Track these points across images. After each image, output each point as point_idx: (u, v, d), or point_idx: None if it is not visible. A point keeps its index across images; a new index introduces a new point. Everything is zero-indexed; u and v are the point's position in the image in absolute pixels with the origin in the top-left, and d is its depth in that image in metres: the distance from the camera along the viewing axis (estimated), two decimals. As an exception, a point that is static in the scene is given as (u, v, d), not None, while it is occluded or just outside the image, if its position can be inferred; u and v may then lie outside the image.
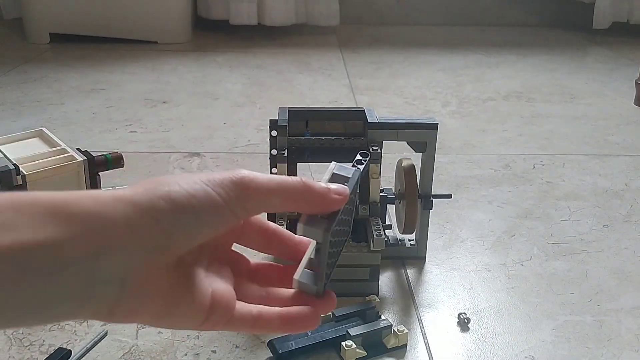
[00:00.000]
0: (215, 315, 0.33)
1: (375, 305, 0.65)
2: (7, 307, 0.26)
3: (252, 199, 0.32)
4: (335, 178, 0.36)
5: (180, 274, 0.31)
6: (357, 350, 0.59)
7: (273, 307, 0.35)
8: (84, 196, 0.28)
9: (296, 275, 0.35)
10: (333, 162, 0.37)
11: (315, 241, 0.35)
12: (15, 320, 0.28)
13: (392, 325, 0.62)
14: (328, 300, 0.36)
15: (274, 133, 0.71)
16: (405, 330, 0.61)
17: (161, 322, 0.31)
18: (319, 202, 0.34)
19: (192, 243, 0.31)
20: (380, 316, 0.64)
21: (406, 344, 0.62)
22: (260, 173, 0.33)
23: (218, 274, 0.35)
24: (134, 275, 0.29)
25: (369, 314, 0.63)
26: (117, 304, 0.29)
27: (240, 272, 0.37)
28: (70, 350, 0.59)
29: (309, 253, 0.36)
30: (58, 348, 0.59)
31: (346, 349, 0.58)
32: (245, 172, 0.32)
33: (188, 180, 0.31)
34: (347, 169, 0.37)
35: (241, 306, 0.34)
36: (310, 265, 0.36)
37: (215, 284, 0.34)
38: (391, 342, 0.61)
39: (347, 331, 0.60)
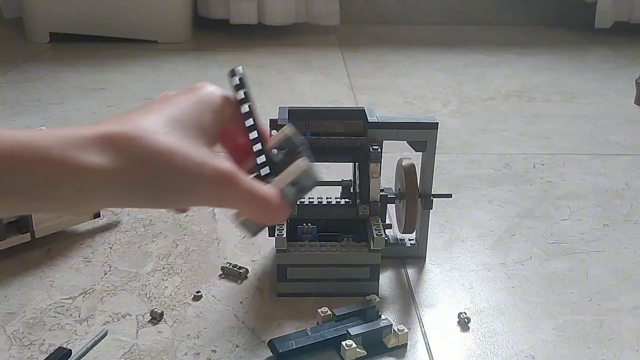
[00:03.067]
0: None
1: (376, 305, 0.65)
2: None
3: (230, 203, 0.37)
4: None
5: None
6: (357, 349, 0.59)
7: None
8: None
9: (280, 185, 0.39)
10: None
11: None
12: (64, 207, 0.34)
13: (392, 324, 0.61)
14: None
15: (274, 132, 0.71)
16: (406, 330, 0.61)
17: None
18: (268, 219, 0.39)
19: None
20: (380, 316, 0.64)
21: (406, 343, 0.61)
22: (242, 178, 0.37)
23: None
24: None
25: (369, 314, 0.63)
26: None
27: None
28: (70, 350, 0.59)
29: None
30: (58, 347, 0.59)
31: (346, 348, 0.58)
32: (232, 174, 0.36)
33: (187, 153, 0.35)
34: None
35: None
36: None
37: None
38: (391, 342, 0.61)
39: (347, 331, 0.60)
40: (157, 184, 0.34)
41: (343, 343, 0.59)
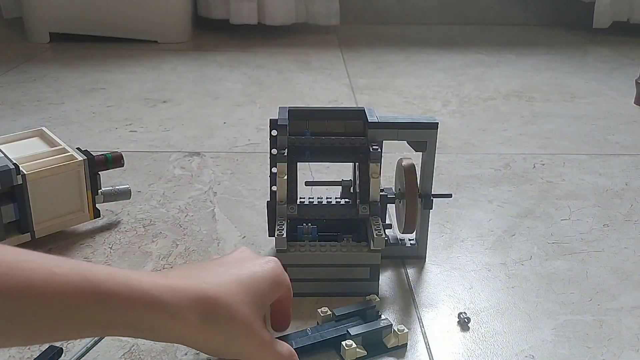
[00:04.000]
0: None
1: (376, 305, 0.65)
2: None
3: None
4: None
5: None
6: (357, 349, 0.59)
7: None
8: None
9: None
10: None
11: None
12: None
13: (392, 324, 0.61)
14: None
15: (274, 132, 0.71)
16: (406, 330, 0.61)
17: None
18: None
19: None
20: (380, 316, 0.64)
21: (406, 343, 0.61)
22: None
23: None
24: None
25: (369, 314, 0.63)
26: None
27: None
28: (61, 348, 0.59)
29: None
30: (49, 346, 0.59)
31: (346, 348, 0.58)
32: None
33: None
34: None
35: None
36: None
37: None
38: (391, 342, 0.61)
39: (347, 331, 0.60)
40: (230, 348, 0.45)
41: (343, 343, 0.59)
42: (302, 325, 0.64)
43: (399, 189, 0.75)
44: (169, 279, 0.44)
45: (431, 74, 1.63)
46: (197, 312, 0.43)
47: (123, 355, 0.60)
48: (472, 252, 0.79)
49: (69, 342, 0.61)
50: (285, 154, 0.69)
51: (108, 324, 0.41)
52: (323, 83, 1.53)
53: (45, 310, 0.38)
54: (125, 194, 0.84)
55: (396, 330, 0.61)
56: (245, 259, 0.51)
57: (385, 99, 1.43)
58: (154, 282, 0.43)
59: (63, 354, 0.59)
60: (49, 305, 0.38)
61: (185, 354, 0.60)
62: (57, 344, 0.60)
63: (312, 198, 0.76)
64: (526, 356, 0.61)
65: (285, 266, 0.67)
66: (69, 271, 0.40)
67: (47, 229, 0.77)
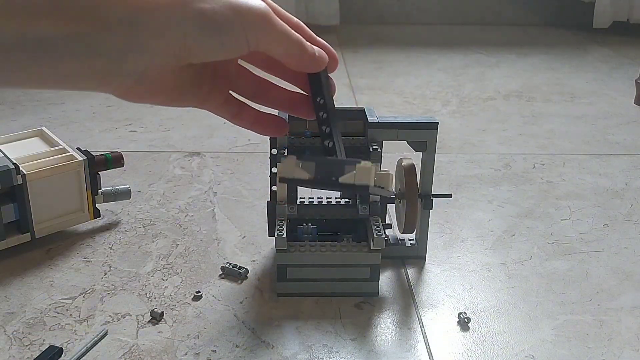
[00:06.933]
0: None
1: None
2: (45, 78, 0.33)
3: (267, 38, 0.38)
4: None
5: (187, 74, 0.38)
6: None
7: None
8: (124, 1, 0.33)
9: None
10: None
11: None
12: (50, 86, 0.34)
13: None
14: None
15: (274, 132, 0.71)
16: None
17: (172, 105, 0.40)
18: (306, 62, 0.43)
19: (207, 59, 0.37)
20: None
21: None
22: (278, 18, 0.38)
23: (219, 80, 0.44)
24: (150, 73, 0.35)
25: None
26: (131, 91, 0.36)
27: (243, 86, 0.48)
28: (61, 348, 0.59)
29: None
30: (49, 346, 0.59)
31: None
32: (269, 11, 0.38)
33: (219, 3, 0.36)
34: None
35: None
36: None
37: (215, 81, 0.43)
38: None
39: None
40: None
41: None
42: (302, 325, 0.64)
43: (399, 189, 0.75)
44: None
45: (431, 74, 1.63)
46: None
47: (123, 355, 0.60)
48: (472, 252, 0.79)
49: (69, 342, 0.61)
50: (285, 154, 0.69)
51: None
52: (323, 83, 1.53)
53: None
54: (125, 194, 0.84)
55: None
56: None
57: (385, 99, 1.43)
58: None
59: (63, 354, 0.59)
60: None
61: (185, 354, 0.60)
62: (57, 344, 0.60)
63: (312, 198, 0.76)
64: (526, 356, 0.61)
65: (285, 266, 0.67)
66: None
67: (47, 229, 0.77)
